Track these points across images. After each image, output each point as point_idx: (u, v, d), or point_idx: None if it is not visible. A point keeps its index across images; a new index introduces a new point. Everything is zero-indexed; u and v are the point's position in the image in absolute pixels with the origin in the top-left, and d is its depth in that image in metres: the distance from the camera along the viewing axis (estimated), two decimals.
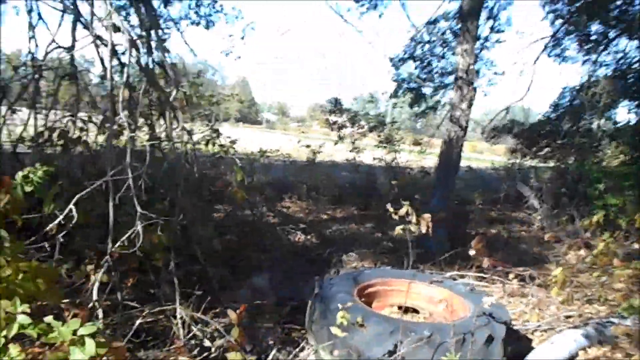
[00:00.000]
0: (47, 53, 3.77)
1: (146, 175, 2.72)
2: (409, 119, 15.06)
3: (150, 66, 3.53)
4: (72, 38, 3.60)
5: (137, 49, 3.32)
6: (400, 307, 3.44)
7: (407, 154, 11.23)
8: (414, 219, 2.60)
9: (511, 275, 4.47)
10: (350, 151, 10.92)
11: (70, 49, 3.24)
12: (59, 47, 3.39)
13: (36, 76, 4.18)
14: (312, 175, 10.43)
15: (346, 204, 9.26)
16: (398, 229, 2.67)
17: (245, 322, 3.53)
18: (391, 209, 2.60)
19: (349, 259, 5.10)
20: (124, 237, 2.39)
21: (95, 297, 2.38)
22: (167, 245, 2.81)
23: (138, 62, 3.88)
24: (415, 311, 3.43)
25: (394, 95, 12.09)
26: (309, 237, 6.12)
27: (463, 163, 14.39)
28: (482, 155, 31.55)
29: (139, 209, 2.36)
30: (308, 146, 9.86)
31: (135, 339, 2.87)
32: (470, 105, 6.04)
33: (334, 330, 2.63)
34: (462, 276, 4.80)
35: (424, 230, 2.63)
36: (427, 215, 2.64)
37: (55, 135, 4.24)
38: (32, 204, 2.36)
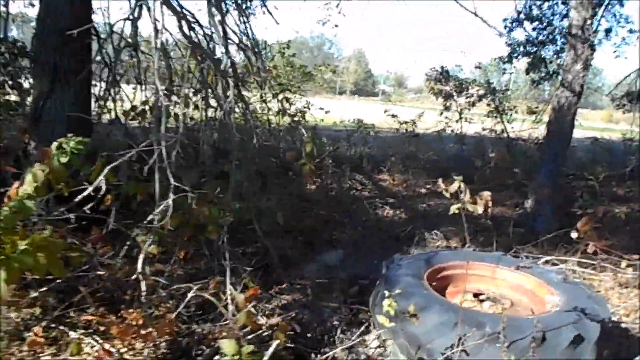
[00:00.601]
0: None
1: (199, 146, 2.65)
2: (527, 86, 13.78)
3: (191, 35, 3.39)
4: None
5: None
6: (477, 295, 3.06)
7: (521, 123, 10.29)
8: (467, 196, 2.22)
9: (624, 264, 3.83)
10: (457, 121, 10.28)
11: (134, 20, 3.23)
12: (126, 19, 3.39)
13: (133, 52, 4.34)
14: (415, 147, 10.02)
15: (449, 177, 8.72)
16: (454, 208, 2.29)
17: (311, 300, 3.42)
18: (441, 185, 2.24)
19: (433, 237, 4.73)
20: (157, 210, 2.32)
21: (139, 269, 2.36)
22: (220, 219, 2.72)
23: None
24: (496, 300, 3.03)
25: (508, 60, 11.09)
26: (397, 212, 5.82)
27: (592, 134, 13.00)
28: (617, 125, 28.28)
29: (172, 180, 2.27)
30: (394, 116, 9.32)
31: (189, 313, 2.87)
32: (586, 67, 5.24)
33: (380, 318, 2.38)
34: (564, 261, 4.22)
35: (480, 211, 2.24)
36: (487, 193, 2.24)
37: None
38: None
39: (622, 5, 10.57)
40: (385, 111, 9.35)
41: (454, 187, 2.17)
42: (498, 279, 3.25)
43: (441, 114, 10.38)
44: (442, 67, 10.32)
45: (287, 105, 4.80)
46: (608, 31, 10.86)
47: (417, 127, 9.82)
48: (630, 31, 10.81)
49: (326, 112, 8.53)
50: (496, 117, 10.03)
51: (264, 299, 3.29)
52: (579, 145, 12.69)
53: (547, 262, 4.24)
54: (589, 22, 5.13)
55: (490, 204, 2.24)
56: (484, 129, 10.45)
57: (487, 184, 8.30)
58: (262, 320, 2.86)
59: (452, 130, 10.21)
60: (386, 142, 10.69)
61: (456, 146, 10.28)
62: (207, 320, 2.85)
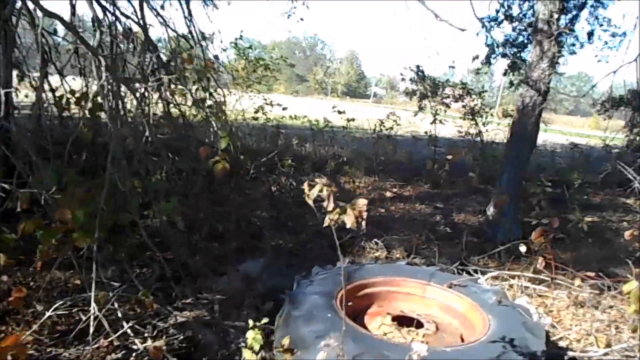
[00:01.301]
0: None
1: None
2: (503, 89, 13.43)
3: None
4: None
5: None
6: (398, 318, 2.63)
7: (496, 125, 9.92)
8: (331, 203, 1.79)
9: (577, 281, 3.43)
10: (431, 123, 9.87)
11: None
12: None
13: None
14: (386, 149, 9.62)
15: (417, 181, 8.32)
16: (327, 219, 1.87)
17: (216, 318, 2.98)
18: (306, 188, 1.81)
19: (374, 246, 4.29)
20: None
21: None
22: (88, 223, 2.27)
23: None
24: (420, 324, 2.60)
25: (486, 62, 10.69)
26: None
27: (576, 140, 12.68)
28: (605, 133, 27.98)
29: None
30: (340, 112, 8.94)
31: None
32: (552, 65, 4.84)
33: (246, 353, 1.95)
34: (516, 277, 3.81)
35: (349, 225, 1.81)
36: (362, 202, 1.81)
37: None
38: None
39: (604, 7, 10.22)
40: (333, 107, 8.85)
41: (314, 191, 1.72)
42: (428, 298, 2.83)
43: (415, 114, 9.97)
44: (417, 67, 9.91)
45: (206, 96, 4.34)
46: (590, 34, 10.51)
47: (385, 127, 9.39)
48: (613, 35, 10.46)
49: (283, 109, 8.09)
50: (471, 119, 9.65)
51: (159, 316, 2.86)
52: (563, 153, 12.40)
53: (496, 277, 3.83)
54: (555, 15, 4.73)
55: (364, 214, 1.79)
56: (459, 132, 10.07)
57: (453, 188, 7.94)
58: (138, 343, 2.42)
59: (426, 133, 9.80)
60: (363, 143, 10.30)
61: (429, 148, 9.88)
62: (73, 342, 2.41)
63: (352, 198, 1.96)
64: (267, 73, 8.06)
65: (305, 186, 1.69)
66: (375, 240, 4.32)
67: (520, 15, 10.38)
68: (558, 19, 4.77)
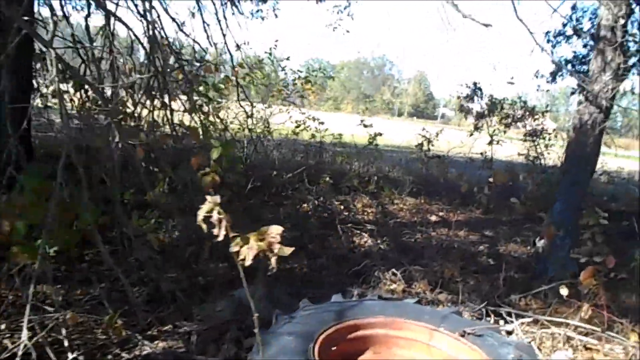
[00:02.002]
0: None
1: None
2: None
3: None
4: None
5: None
6: None
7: (559, 148, 9.08)
8: (221, 231, 1.37)
9: (634, 337, 2.79)
10: (488, 144, 9.19)
11: None
12: None
13: None
14: (436, 169, 9.04)
15: (469, 205, 7.68)
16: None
17: (191, 352, 2.62)
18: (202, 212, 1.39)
19: (391, 277, 3.78)
20: None
21: None
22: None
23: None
24: None
25: (552, 79, 9.91)
26: (379, 241, 4.90)
27: None
28: None
29: None
30: (366, 126, 8.22)
31: None
32: (617, 77, 4.20)
33: None
34: (559, 324, 3.19)
35: (249, 261, 1.38)
36: (275, 229, 1.38)
37: None
38: None
39: None
40: (361, 121, 8.29)
41: (202, 211, 1.32)
42: (434, 347, 2.33)
43: (470, 135, 9.33)
44: (474, 84, 9.31)
45: (202, 104, 4.06)
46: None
47: (433, 146, 8.83)
48: None
49: (320, 123, 7.66)
50: (532, 140, 8.90)
51: (127, 345, 2.54)
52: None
53: (534, 322, 3.24)
54: (621, 21, 4.10)
55: (276, 246, 1.37)
56: (519, 154, 9.32)
57: (507, 214, 7.26)
58: None
59: (481, 154, 9.13)
60: (414, 163, 9.79)
61: (484, 171, 9.19)
62: None
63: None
64: (308, 87, 7.70)
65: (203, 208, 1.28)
66: (393, 270, 3.82)
67: (592, 30, 9.55)
68: (624, 25, 4.14)
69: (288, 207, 5.28)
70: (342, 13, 8.31)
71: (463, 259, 4.74)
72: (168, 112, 3.34)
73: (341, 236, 4.72)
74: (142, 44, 3.50)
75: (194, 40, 4.42)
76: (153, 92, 3.30)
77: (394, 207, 7.25)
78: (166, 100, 3.36)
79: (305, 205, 5.45)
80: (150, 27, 3.49)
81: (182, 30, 4.04)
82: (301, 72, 7.68)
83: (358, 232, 4.98)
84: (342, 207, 5.97)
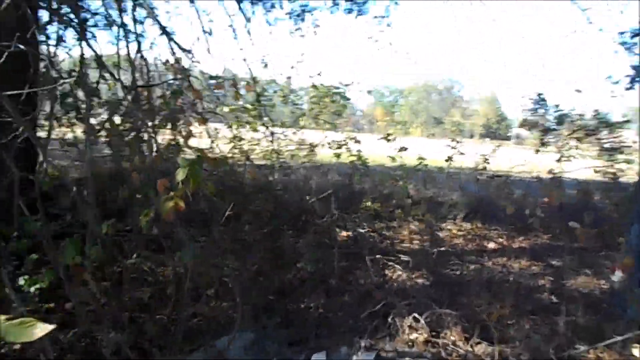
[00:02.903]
0: None
1: None
2: None
3: None
4: None
5: None
6: None
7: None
8: None
9: None
10: (557, 161, 8.18)
11: None
12: None
13: None
14: (495, 190, 8.14)
15: (534, 231, 6.75)
16: None
17: None
18: None
19: (411, 323, 3.07)
20: None
21: None
22: None
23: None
24: None
25: (631, 86, 8.75)
26: (414, 275, 4.20)
27: None
28: None
29: None
30: (403, 149, 7.30)
31: None
32: None
33: None
34: None
35: None
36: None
37: None
38: None
39: None
40: (387, 135, 7.40)
41: None
42: None
43: (537, 151, 8.36)
44: (538, 95, 8.40)
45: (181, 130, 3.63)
46: None
47: (489, 163, 7.96)
48: None
49: (356, 141, 6.96)
50: (610, 155, 7.81)
51: None
52: None
53: None
54: None
55: None
56: (595, 171, 8.21)
57: (578, 241, 6.28)
58: None
59: (549, 172, 8.13)
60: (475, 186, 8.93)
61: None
62: None
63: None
64: (340, 108, 7.09)
65: None
66: (415, 315, 3.11)
67: None
68: None
69: (311, 236, 4.70)
70: (382, 24, 7.73)
71: (518, 295, 3.95)
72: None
73: (370, 269, 4.08)
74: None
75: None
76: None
77: (447, 233, 6.49)
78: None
79: (332, 234, 4.85)
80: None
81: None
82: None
83: (391, 264, 4.30)
84: (379, 234, 5.31)
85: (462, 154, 7.37)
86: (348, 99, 7.31)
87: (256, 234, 4.42)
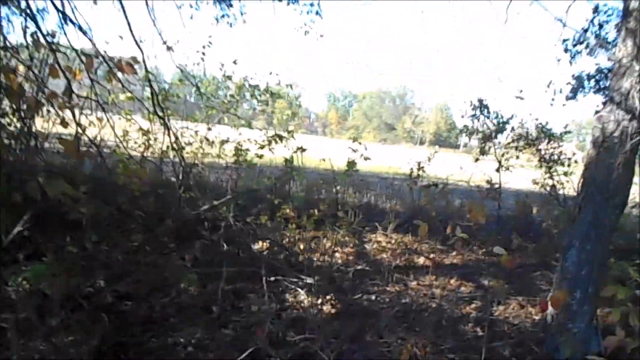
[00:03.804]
0: None
1: None
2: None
3: None
4: None
5: None
6: None
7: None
8: None
9: None
10: (496, 170, 7.77)
11: None
12: None
13: None
14: (427, 200, 7.61)
15: (470, 244, 6.25)
16: None
17: None
18: None
19: None
20: None
21: None
22: None
23: None
24: None
25: (572, 96, 8.51)
26: (322, 300, 3.52)
27: None
28: None
29: None
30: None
31: None
32: None
33: None
34: None
35: None
36: None
37: None
38: None
39: None
40: (353, 141, 6.88)
41: None
42: None
43: (476, 160, 7.92)
44: (479, 101, 7.95)
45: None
46: None
47: (424, 172, 7.45)
48: None
49: (301, 150, 6.23)
50: (549, 167, 7.44)
51: None
52: None
53: None
54: None
55: None
56: (534, 182, 7.83)
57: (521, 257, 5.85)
58: None
59: (487, 182, 7.70)
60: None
61: (495, 203, 7.74)
62: None
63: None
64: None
65: None
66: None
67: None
68: None
69: (199, 251, 3.94)
70: (311, 13, 7.04)
71: (438, 328, 3.35)
72: None
73: (265, 294, 3.37)
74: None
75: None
76: None
77: (375, 246, 5.89)
78: None
79: (220, 248, 4.08)
80: None
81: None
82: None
83: (293, 286, 3.61)
84: (286, 250, 4.61)
85: (367, 158, 6.74)
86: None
87: (133, 246, 3.64)
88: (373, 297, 3.81)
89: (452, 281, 4.78)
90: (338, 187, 7.56)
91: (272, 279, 3.59)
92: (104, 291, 3.23)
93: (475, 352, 3.03)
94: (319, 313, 3.32)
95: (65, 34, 3.69)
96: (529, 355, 3.05)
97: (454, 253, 5.92)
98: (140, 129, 5.40)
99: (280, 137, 6.07)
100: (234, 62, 5.73)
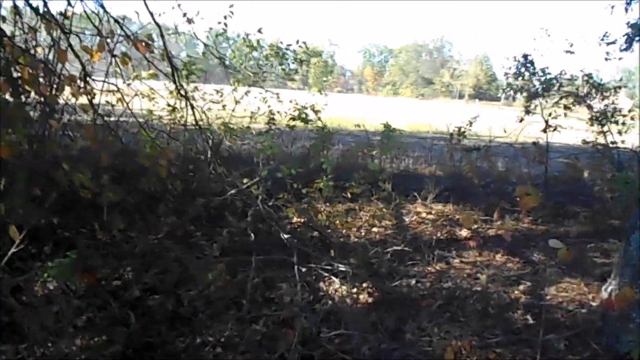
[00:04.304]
0: None
1: None
2: None
3: None
4: None
5: None
6: None
7: None
8: None
9: None
10: (542, 131, 7.26)
11: None
12: None
13: None
14: (469, 165, 7.22)
15: (516, 212, 5.88)
16: None
17: None
18: None
19: None
20: None
21: None
22: None
23: None
24: None
25: (628, 46, 7.77)
26: (358, 289, 3.31)
27: None
28: None
29: None
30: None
31: None
32: None
33: None
34: None
35: None
36: None
37: None
38: None
39: None
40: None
41: None
42: None
43: (521, 120, 7.43)
44: (524, 57, 7.38)
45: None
46: None
47: (465, 137, 7.04)
48: None
49: (315, 111, 5.86)
50: (601, 124, 6.90)
51: None
52: None
53: None
54: None
55: None
56: (585, 142, 7.30)
57: (569, 225, 5.49)
58: None
59: (534, 143, 7.23)
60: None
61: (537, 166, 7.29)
62: None
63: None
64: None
65: None
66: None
67: None
68: None
69: (226, 237, 3.75)
70: None
71: (484, 317, 3.10)
72: None
73: (297, 283, 3.19)
74: None
75: None
76: None
77: (414, 218, 5.61)
78: None
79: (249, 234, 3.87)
80: None
81: None
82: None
83: (327, 274, 3.40)
84: (323, 228, 4.39)
85: None
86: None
87: (160, 233, 3.50)
88: (413, 282, 3.57)
89: (497, 257, 4.49)
90: (374, 153, 7.28)
91: (304, 269, 3.39)
92: (131, 285, 3.12)
93: (527, 345, 2.78)
94: (355, 303, 3.12)
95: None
96: (586, 350, 2.76)
97: (499, 223, 5.59)
98: (168, 104, 5.21)
99: (313, 109, 5.78)
100: (259, 31, 5.43)
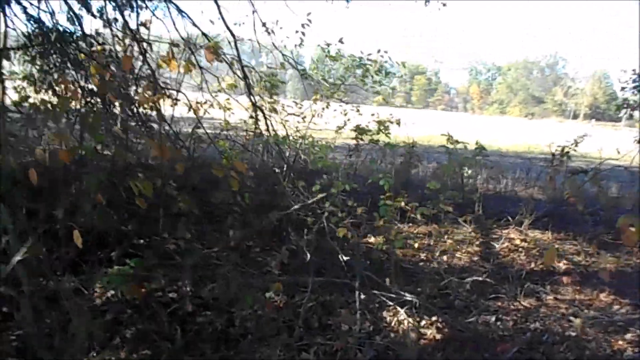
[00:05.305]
0: None
1: None
2: None
3: None
4: None
5: None
6: None
7: None
8: None
9: None
10: None
11: None
12: None
13: None
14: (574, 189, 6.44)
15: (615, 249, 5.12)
16: None
17: None
18: None
19: None
20: None
21: None
22: None
23: None
24: None
25: None
26: (423, 322, 2.93)
27: None
28: None
29: None
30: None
31: None
32: None
33: None
34: None
35: None
36: None
37: None
38: None
39: None
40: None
41: None
42: None
43: (639, 141, 6.55)
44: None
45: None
46: None
47: (569, 158, 6.30)
48: None
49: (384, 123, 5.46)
50: None
51: None
52: None
53: None
54: None
55: None
56: None
57: None
58: None
59: None
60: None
61: None
62: None
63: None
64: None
65: None
66: None
67: None
68: None
69: (283, 255, 3.54)
70: None
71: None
72: None
73: (357, 311, 2.90)
74: None
75: None
76: None
77: (506, 244, 5.08)
78: None
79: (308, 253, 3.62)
80: None
81: None
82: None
83: (392, 303, 3.06)
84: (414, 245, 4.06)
85: None
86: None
87: (221, 250, 3.39)
88: (492, 319, 3.12)
89: (601, 296, 3.87)
90: (465, 172, 6.78)
91: (364, 296, 3.08)
92: (185, 299, 3.02)
93: None
94: (420, 339, 2.76)
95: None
96: None
97: (608, 256, 4.88)
98: (251, 116, 5.19)
99: (395, 121, 5.48)
100: (340, 41, 5.24)
